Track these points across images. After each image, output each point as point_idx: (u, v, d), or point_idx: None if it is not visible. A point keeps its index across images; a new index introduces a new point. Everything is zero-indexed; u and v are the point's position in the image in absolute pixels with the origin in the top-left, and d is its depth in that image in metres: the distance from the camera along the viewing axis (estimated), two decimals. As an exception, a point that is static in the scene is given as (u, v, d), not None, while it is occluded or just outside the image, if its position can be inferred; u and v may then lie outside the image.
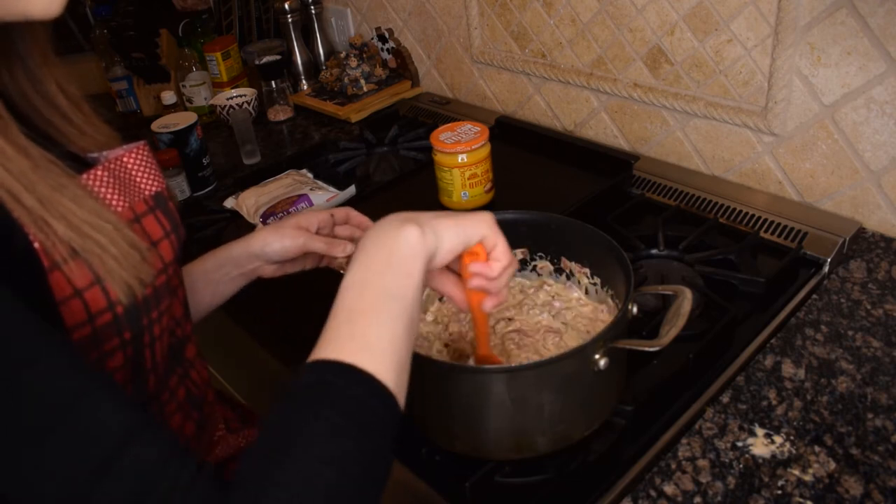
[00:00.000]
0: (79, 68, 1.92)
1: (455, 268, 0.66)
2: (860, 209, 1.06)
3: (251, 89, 1.72)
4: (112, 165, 0.54)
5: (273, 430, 0.47)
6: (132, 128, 1.75)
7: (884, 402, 0.78)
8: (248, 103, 1.66)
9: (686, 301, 0.71)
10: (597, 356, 0.67)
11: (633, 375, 0.83)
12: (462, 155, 1.17)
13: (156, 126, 1.42)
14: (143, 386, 0.56)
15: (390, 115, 1.66)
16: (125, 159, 0.56)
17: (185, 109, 1.75)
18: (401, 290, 0.54)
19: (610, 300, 0.83)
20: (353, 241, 0.83)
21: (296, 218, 0.82)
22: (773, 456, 0.74)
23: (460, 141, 1.17)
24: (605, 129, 1.37)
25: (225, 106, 1.66)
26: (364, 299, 0.53)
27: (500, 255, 0.63)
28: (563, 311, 0.85)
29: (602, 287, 0.84)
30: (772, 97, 1.08)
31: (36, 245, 0.45)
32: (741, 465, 0.73)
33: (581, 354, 0.67)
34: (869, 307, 0.92)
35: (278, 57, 1.73)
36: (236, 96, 1.68)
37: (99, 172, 0.52)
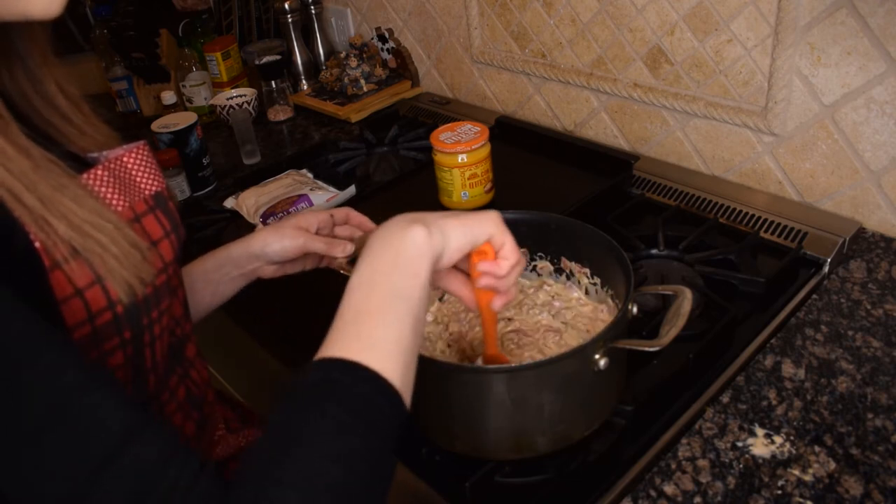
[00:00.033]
0: (79, 68, 1.92)
1: (463, 267, 0.66)
2: (860, 209, 1.06)
3: (251, 89, 1.72)
4: (112, 165, 0.54)
5: (279, 428, 0.46)
6: (132, 128, 1.75)
7: (884, 402, 0.78)
8: (248, 103, 1.66)
9: (686, 301, 0.71)
10: (597, 356, 0.67)
11: (633, 375, 0.83)
12: (462, 155, 1.17)
13: (156, 126, 1.42)
14: (144, 386, 0.56)
15: (390, 115, 1.66)
16: (125, 159, 0.56)
17: (185, 109, 1.75)
18: (407, 290, 0.54)
19: (610, 300, 0.83)
20: (353, 241, 0.83)
21: (295, 218, 0.82)
22: (773, 456, 0.74)
23: (460, 141, 1.17)
24: (605, 129, 1.37)
25: (225, 106, 1.66)
26: (370, 299, 0.53)
27: (508, 253, 0.63)
28: (563, 311, 0.85)
29: (602, 287, 0.84)
30: (772, 97, 1.08)
31: (37, 244, 0.45)
32: (741, 465, 0.73)
33: (581, 354, 0.67)
34: (869, 307, 0.92)
35: (278, 57, 1.73)
36: (236, 96, 1.68)
37: (99, 172, 0.53)
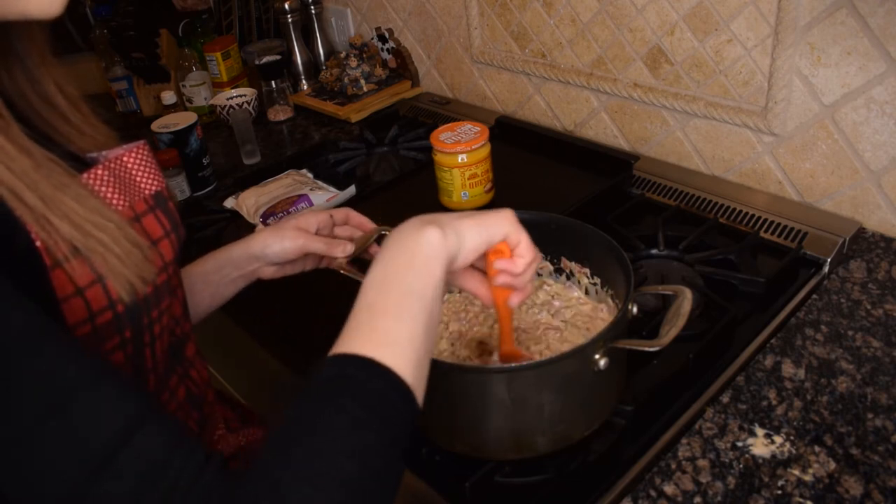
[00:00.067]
0: (78, 68, 1.92)
1: (480, 265, 0.67)
2: (860, 209, 1.06)
3: (251, 89, 1.72)
4: (112, 165, 0.54)
5: (293, 422, 0.47)
6: (132, 128, 1.75)
7: (884, 402, 0.78)
8: (248, 103, 1.66)
9: (686, 301, 0.71)
10: (597, 356, 0.67)
11: (633, 375, 0.83)
12: (462, 155, 1.17)
13: (156, 126, 1.42)
14: (144, 385, 0.56)
15: (390, 115, 1.66)
16: (125, 159, 0.56)
17: (185, 109, 1.75)
18: (422, 288, 0.54)
19: (610, 300, 0.83)
20: (353, 241, 0.83)
21: (295, 219, 0.82)
22: (773, 456, 0.74)
23: (460, 141, 1.17)
24: (605, 129, 1.37)
25: (225, 106, 1.66)
26: (384, 297, 0.54)
27: (524, 251, 0.64)
28: (563, 310, 0.85)
29: (602, 287, 0.84)
30: (772, 97, 1.08)
31: (38, 244, 0.45)
32: (741, 465, 0.73)
33: (581, 354, 0.67)
34: (869, 307, 0.92)
35: (278, 57, 1.73)
36: (236, 96, 1.68)
37: (99, 172, 0.53)
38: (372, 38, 1.80)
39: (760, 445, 0.75)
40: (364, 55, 1.74)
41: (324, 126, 1.68)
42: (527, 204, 1.21)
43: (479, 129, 1.20)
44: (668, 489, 0.72)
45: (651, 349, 0.68)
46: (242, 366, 0.97)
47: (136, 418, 0.42)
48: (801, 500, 0.69)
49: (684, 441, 0.77)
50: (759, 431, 0.77)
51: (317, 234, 0.82)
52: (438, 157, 1.20)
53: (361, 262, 0.85)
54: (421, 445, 0.78)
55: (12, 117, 0.47)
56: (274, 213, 1.24)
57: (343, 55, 1.75)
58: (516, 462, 0.75)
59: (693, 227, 1.09)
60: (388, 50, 1.77)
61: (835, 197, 1.09)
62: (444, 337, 0.84)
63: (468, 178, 1.19)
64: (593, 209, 1.15)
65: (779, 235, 1.06)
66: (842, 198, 1.08)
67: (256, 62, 1.73)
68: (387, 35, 1.76)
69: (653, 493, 0.71)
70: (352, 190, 1.33)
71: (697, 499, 0.70)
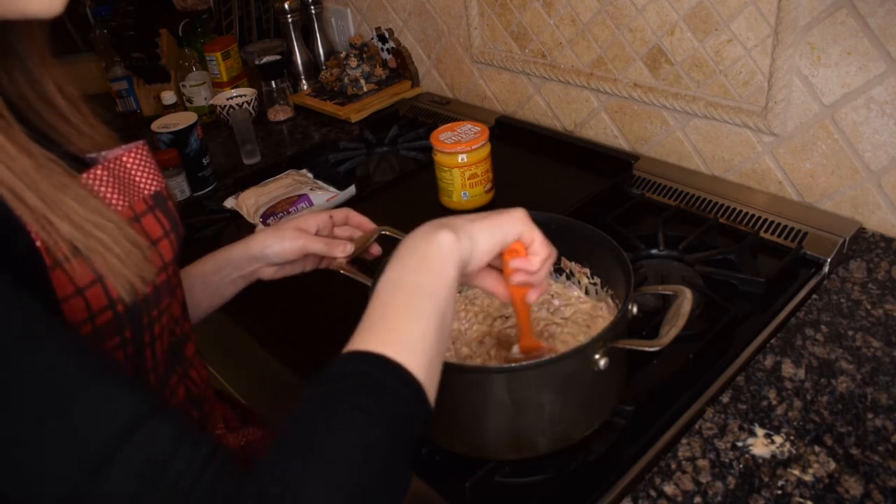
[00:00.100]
0: (78, 68, 1.92)
1: (496, 264, 0.67)
2: (860, 209, 1.06)
3: (251, 89, 1.72)
4: (111, 165, 0.54)
5: (305, 417, 0.47)
6: (132, 128, 1.75)
7: (884, 402, 0.78)
8: (248, 103, 1.66)
9: (686, 301, 0.71)
10: (597, 356, 0.67)
11: (633, 375, 0.83)
12: (462, 155, 1.17)
13: (156, 126, 1.42)
14: (145, 384, 0.56)
15: (390, 115, 1.66)
16: (124, 159, 0.56)
17: (185, 109, 1.75)
18: (434, 289, 0.55)
19: (610, 300, 0.83)
20: (353, 241, 0.83)
21: (295, 220, 0.82)
22: (773, 456, 0.74)
23: (460, 141, 1.17)
24: (605, 129, 1.37)
25: (225, 106, 1.66)
26: (397, 297, 0.54)
27: (539, 248, 0.65)
28: (562, 308, 0.85)
29: (602, 287, 0.84)
30: (772, 97, 1.08)
31: (38, 244, 0.45)
32: (741, 465, 0.73)
33: (581, 354, 0.67)
34: (869, 307, 0.92)
35: (278, 57, 1.73)
36: (236, 96, 1.68)
37: (99, 172, 0.53)
38: (372, 38, 1.80)
39: (760, 445, 0.75)
40: (364, 55, 1.74)
41: (324, 126, 1.68)
42: (527, 204, 1.20)
43: (479, 129, 1.20)
44: (668, 489, 0.72)
45: (651, 349, 0.68)
46: (242, 366, 0.97)
47: (138, 414, 0.42)
48: (801, 500, 0.69)
49: (684, 441, 0.77)
50: (759, 431, 0.77)
51: (316, 234, 0.82)
52: (438, 157, 1.20)
53: (361, 262, 0.85)
54: (421, 445, 0.78)
55: (13, 117, 0.47)
56: (274, 214, 1.24)
57: (343, 55, 1.75)
58: (516, 462, 0.75)
59: (693, 227, 1.09)
60: (388, 50, 1.77)
61: (835, 197, 1.09)
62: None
63: (468, 178, 1.19)
64: (593, 209, 1.15)
65: (779, 235, 1.06)
66: (842, 198, 1.08)
67: (256, 62, 1.73)
68: (387, 35, 1.76)
69: (653, 493, 0.71)
70: (352, 190, 1.33)
71: (697, 499, 0.70)
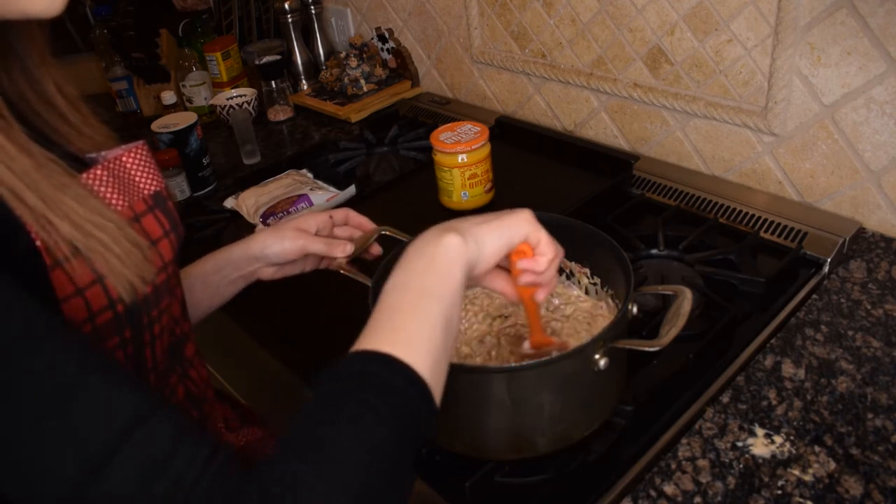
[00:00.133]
0: (78, 68, 1.92)
1: (504, 264, 0.67)
2: (860, 209, 1.06)
3: (251, 89, 1.72)
4: (111, 165, 0.54)
5: (312, 416, 0.47)
6: (132, 128, 1.75)
7: (884, 402, 0.78)
8: (248, 103, 1.66)
9: (686, 301, 0.71)
10: (597, 356, 0.67)
11: (633, 375, 0.83)
12: (462, 155, 1.17)
13: (156, 126, 1.42)
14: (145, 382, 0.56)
15: (390, 115, 1.66)
16: (124, 159, 0.56)
17: (185, 109, 1.75)
18: (441, 291, 0.55)
19: (610, 300, 0.83)
20: (352, 241, 0.83)
21: (295, 220, 0.82)
22: (773, 456, 0.74)
23: (460, 141, 1.17)
24: (605, 129, 1.37)
25: (225, 106, 1.66)
26: (404, 298, 0.55)
27: (545, 249, 0.65)
28: (562, 307, 0.85)
29: (602, 287, 0.84)
30: (772, 97, 1.08)
31: (38, 244, 0.45)
32: (741, 465, 0.73)
33: (581, 354, 0.67)
34: (869, 307, 0.92)
35: (278, 57, 1.73)
36: (236, 96, 1.68)
37: (98, 172, 0.53)
38: (372, 38, 1.80)
39: (760, 445, 0.75)
40: (364, 55, 1.74)
41: (324, 126, 1.68)
42: (527, 204, 1.20)
43: (479, 129, 1.20)
44: (668, 489, 0.72)
45: (651, 349, 0.68)
46: (242, 366, 0.97)
47: (138, 413, 0.42)
48: (801, 500, 0.69)
49: (684, 441, 0.77)
50: (759, 431, 0.77)
51: (316, 234, 0.82)
52: (438, 157, 1.20)
53: (361, 262, 0.85)
54: (421, 445, 0.78)
55: (13, 117, 0.47)
56: (274, 213, 1.24)
57: (343, 55, 1.75)
58: (516, 462, 0.75)
59: (693, 227, 1.09)
60: (388, 50, 1.77)
61: (835, 197, 1.09)
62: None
63: (468, 178, 1.19)
64: (593, 209, 1.15)
65: (779, 235, 1.06)
66: (842, 198, 1.08)
67: (256, 62, 1.73)
68: (387, 35, 1.76)
69: (653, 493, 0.71)
70: (352, 190, 1.33)
71: (697, 499, 0.70)
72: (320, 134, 1.64)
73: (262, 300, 0.89)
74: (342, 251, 0.81)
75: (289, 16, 1.80)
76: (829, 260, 0.99)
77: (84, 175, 0.51)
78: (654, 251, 1.07)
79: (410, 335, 0.52)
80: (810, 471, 0.72)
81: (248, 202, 1.29)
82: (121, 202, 0.53)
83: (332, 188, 1.34)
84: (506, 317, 0.85)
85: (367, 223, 0.87)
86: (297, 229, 0.81)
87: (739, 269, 1.00)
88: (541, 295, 0.69)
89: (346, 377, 0.49)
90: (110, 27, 1.74)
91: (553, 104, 1.45)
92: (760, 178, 1.17)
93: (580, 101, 1.39)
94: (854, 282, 0.96)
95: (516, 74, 1.49)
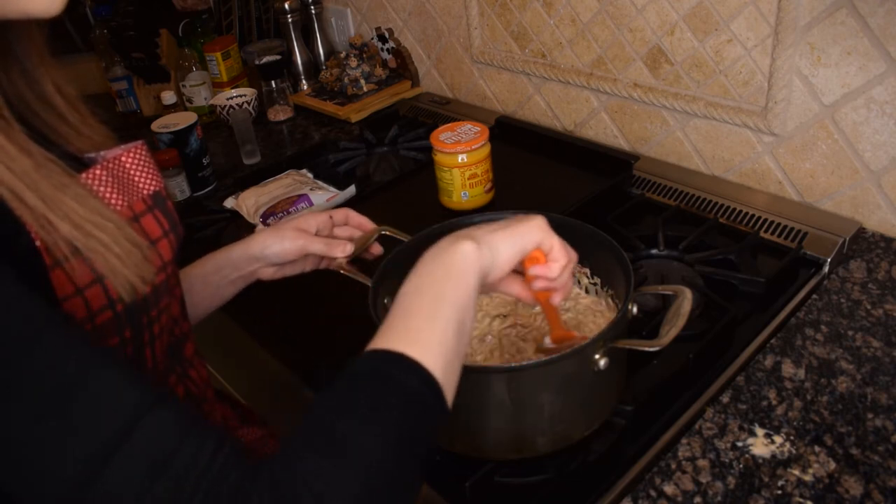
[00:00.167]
0: (78, 68, 1.92)
1: (519, 269, 0.68)
2: (860, 209, 1.06)
3: (251, 89, 1.72)
4: (110, 165, 0.54)
5: (323, 411, 0.48)
6: (132, 128, 1.75)
7: (884, 402, 0.78)
8: (248, 103, 1.66)
9: (686, 301, 0.71)
10: (597, 356, 0.68)
11: (633, 375, 0.83)
12: (462, 155, 1.17)
13: (156, 126, 1.42)
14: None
15: (390, 115, 1.66)
16: (123, 159, 0.56)
17: (185, 109, 1.75)
18: (455, 296, 0.56)
19: (610, 300, 0.83)
20: (353, 241, 0.83)
21: (295, 220, 0.82)
22: (773, 456, 0.74)
23: (460, 141, 1.17)
24: (605, 129, 1.37)
25: (225, 106, 1.66)
26: (418, 301, 0.56)
27: (558, 255, 0.66)
28: (562, 304, 0.86)
29: (602, 287, 0.84)
30: (772, 97, 1.08)
31: (38, 244, 0.45)
32: (741, 465, 0.73)
33: (581, 354, 0.67)
34: (869, 307, 0.91)
35: (278, 57, 1.73)
36: (236, 96, 1.68)
37: (98, 172, 0.53)
38: (372, 38, 1.80)
39: (760, 445, 0.75)
40: (364, 55, 1.74)
41: (324, 126, 1.68)
42: (527, 204, 1.21)
43: (479, 129, 1.20)
44: (668, 489, 0.72)
45: (651, 349, 0.68)
46: (242, 366, 0.97)
47: (143, 405, 0.42)
48: (801, 500, 0.69)
49: (684, 441, 0.77)
50: (759, 431, 0.77)
51: (316, 234, 0.82)
52: (438, 157, 1.20)
53: (361, 262, 0.85)
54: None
55: (13, 117, 0.47)
56: (274, 213, 1.24)
57: (343, 55, 1.75)
58: (516, 462, 0.75)
59: (693, 227, 1.09)
60: (388, 50, 1.77)
61: (835, 197, 1.09)
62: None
63: (468, 178, 1.19)
64: (593, 209, 1.15)
65: (779, 235, 1.06)
66: (842, 198, 1.08)
67: (256, 62, 1.73)
68: (387, 35, 1.76)
69: (653, 493, 0.71)
70: (352, 190, 1.33)
71: (697, 499, 0.70)
72: (320, 134, 1.64)
73: (262, 300, 0.89)
74: (342, 251, 0.81)
75: (289, 16, 1.80)
76: (829, 260, 0.99)
77: (83, 175, 0.51)
78: (654, 251, 1.07)
79: (424, 336, 0.52)
80: (810, 471, 0.72)
81: (248, 202, 1.29)
82: (120, 202, 0.53)
83: (332, 188, 1.34)
84: (505, 316, 0.85)
85: (367, 223, 0.87)
86: (297, 229, 0.81)
87: (739, 269, 1.00)
88: (556, 298, 0.70)
89: (361, 375, 0.50)
90: (110, 27, 1.74)
91: (553, 104, 1.45)
92: (760, 178, 1.17)
93: (580, 101, 1.39)
94: (854, 282, 0.96)
95: (516, 74, 1.49)
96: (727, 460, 0.74)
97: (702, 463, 0.74)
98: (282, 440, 0.47)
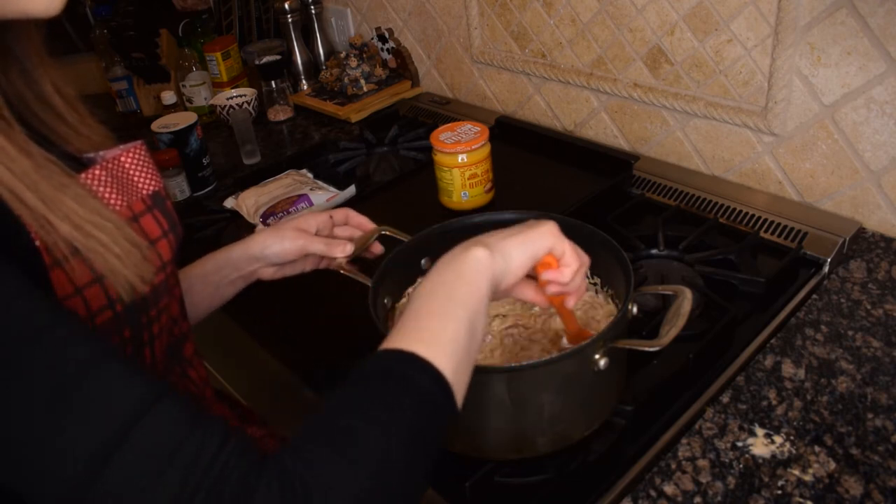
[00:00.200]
0: (78, 68, 1.92)
1: (532, 273, 0.69)
2: (860, 209, 1.06)
3: (251, 89, 1.72)
4: (110, 165, 0.54)
5: (334, 408, 0.48)
6: (132, 128, 1.75)
7: (884, 402, 0.78)
8: (248, 103, 1.66)
9: (686, 301, 0.71)
10: (597, 356, 0.68)
11: (633, 375, 0.83)
12: (462, 155, 1.17)
13: (156, 126, 1.42)
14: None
15: (390, 115, 1.66)
16: (122, 159, 0.56)
17: (185, 109, 1.75)
18: (466, 299, 0.57)
19: (610, 300, 0.83)
20: (353, 241, 0.83)
21: (295, 220, 0.82)
22: (773, 456, 0.74)
23: (460, 141, 1.17)
24: (605, 129, 1.37)
25: (225, 106, 1.66)
26: (430, 303, 0.56)
27: (570, 260, 0.66)
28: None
29: (602, 287, 0.84)
30: (772, 97, 1.08)
31: (37, 243, 0.45)
32: (741, 465, 0.73)
33: (581, 354, 0.67)
34: (869, 307, 0.91)
35: (278, 57, 1.73)
36: (236, 96, 1.68)
37: (97, 172, 0.53)
38: (372, 38, 1.80)
39: (760, 445, 0.75)
40: (364, 55, 1.74)
41: (324, 126, 1.68)
42: (527, 204, 1.21)
43: (479, 129, 1.20)
44: (668, 489, 0.72)
45: (651, 349, 0.68)
46: (242, 366, 0.97)
47: (149, 397, 0.42)
48: (801, 500, 0.69)
49: (684, 441, 0.77)
50: (759, 431, 0.77)
51: (316, 234, 0.82)
52: (438, 157, 1.20)
53: (361, 262, 0.85)
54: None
55: (13, 118, 0.47)
56: (274, 213, 1.24)
57: (343, 55, 1.75)
58: (516, 462, 0.75)
59: (693, 227, 1.09)
60: (388, 50, 1.77)
61: (835, 197, 1.09)
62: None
63: (468, 178, 1.19)
64: (593, 209, 1.15)
65: (779, 235, 1.06)
66: (842, 198, 1.08)
67: (256, 62, 1.73)
68: (387, 35, 1.76)
69: (653, 493, 0.71)
70: (352, 190, 1.33)
71: (697, 499, 0.70)
72: (320, 134, 1.64)
73: (262, 300, 0.89)
74: (342, 251, 0.81)
75: (289, 16, 1.80)
76: (829, 260, 0.99)
77: (83, 175, 0.51)
78: (654, 251, 1.07)
79: (435, 337, 0.53)
80: (810, 471, 0.72)
81: (248, 202, 1.29)
82: (119, 202, 0.53)
83: (332, 188, 1.34)
84: (505, 316, 0.85)
85: (367, 223, 0.87)
86: (297, 229, 0.81)
87: (739, 269, 1.00)
88: (570, 302, 0.70)
89: (372, 373, 0.50)
90: (110, 27, 1.74)
91: (553, 104, 1.45)
92: (760, 178, 1.17)
93: (580, 101, 1.39)
94: (854, 282, 0.96)
95: (516, 74, 1.49)
96: (727, 460, 0.74)
97: (702, 463, 0.74)
98: (291, 435, 0.47)
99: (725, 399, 0.81)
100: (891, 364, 0.83)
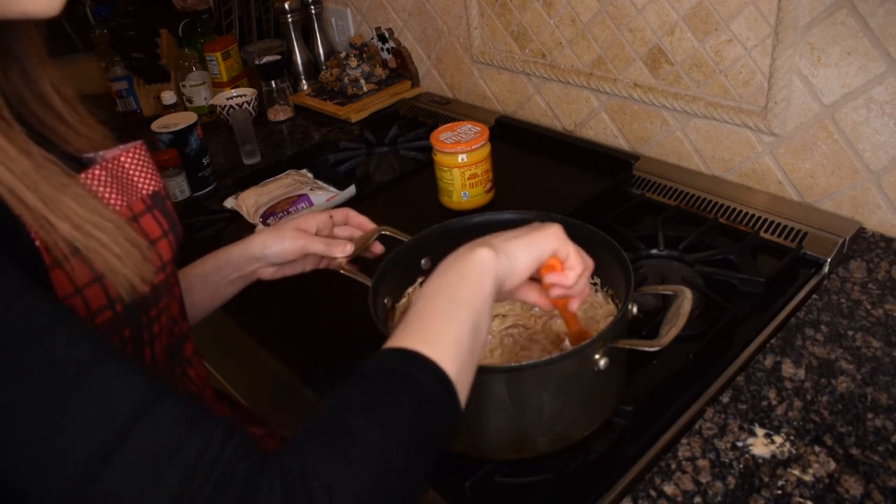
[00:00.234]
0: (78, 69, 1.92)
1: (536, 276, 0.69)
2: (860, 209, 1.06)
3: (251, 89, 1.72)
4: (109, 165, 0.54)
5: (336, 406, 0.48)
6: (132, 128, 1.75)
7: (884, 402, 0.78)
8: (248, 103, 1.66)
9: (686, 301, 0.71)
10: (597, 356, 0.67)
11: (633, 375, 0.83)
12: (462, 155, 1.17)
13: (156, 126, 1.42)
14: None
15: (390, 115, 1.66)
16: (122, 159, 0.56)
17: (185, 109, 1.75)
18: (471, 299, 0.57)
19: (610, 300, 0.83)
20: (353, 241, 0.83)
21: (295, 220, 0.82)
22: (773, 456, 0.74)
23: (460, 141, 1.17)
24: (605, 129, 1.37)
25: (225, 106, 1.66)
26: (435, 304, 0.57)
27: (574, 263, 0.66)
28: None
29: (602, 287, 0.84)
30: (772, 97, 1.08)
31: (38, 243, 0.45)
32: (741, 465, 0.73)
33: (581, 354, 0.67)
34: (869, 307, 0.91)
35: (278, 57, 1.73)
36: (236, 96, 1.68)
37: (97, 172, 0.53)
38: (372, 38, 1.80)
39: (760, 445, 0.75)
40: (364, 55, 1.74)
41: (324, 126, 1.68)
42: (527, 204, 1.21)
43: (479, 129, 1.20)
44: (668, 489, 0.72)
45: (651, 349, 0.68)
46: (242, 366, 0.97)
47: (150, 397, 0.42)
48: (801, 500, 0.69)
49: (684, 441, 0.77)
50: (759, 431, 0.77)
51: (316, 234, 0.82)
52: (438, 157, 1.20)
53: (361, 261, 0.85)
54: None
55: (13, 118, 0.47)
56: (274, 213, 1.24)
57: (343, 55, 1.75)
58: (516, 462, 0.75)
59: (693, 227, 1.09)
60: (388, 50, 1.77)
61: (835, 197, 1.09)
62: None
63: (468, 178, 1.19)
64: (593, 209, 1.15)
65: (779, 235, 1.06)
66: (842, 198, 1.08)
67: (256, 62, 1.73)
68: (387, 35, 1.76)
69: (653, 493, 0.71)
70: (352, 190, 1.33)
71: (697, 499, 0.70)
72: (320, 134, 1.64)
73: (262, 300, 0.89)
74: (342, 251, 0.81)
75: (289, 16, 1.80)
76: (829, 260, 0.99)
77: (83, 175, 0.51)
78: (654, 251, 1.07)
79: (439, 338, 0.53)
80: (810, 471, 0.72)
81: (248, 202, 1.29)
82: (119, 202, 0.53)
83: (332, 188, 1.34)
84: (504, 316, 0.85)
85: (367, 223, 0.87)
86: (297, 229, 0.81)
87: (739, 269, 1.00)
88: (573, 305, 0.70)
89: (376, 372, 0.50)
90: (110, 27, 1.74)
91: (553, 104, 1.45)
92: (760, 178, 1.17)
93: (580, 101, 1.39)
94: (854, 282, 0.96)
95: (516, 74, 1.49)
96: (727, 460, 0.74)
97: (702, 463, 0.74)
98: (291, 434, 0.47)
99: (725, 399, 0.81)
100: (891, 364, 0.83)
